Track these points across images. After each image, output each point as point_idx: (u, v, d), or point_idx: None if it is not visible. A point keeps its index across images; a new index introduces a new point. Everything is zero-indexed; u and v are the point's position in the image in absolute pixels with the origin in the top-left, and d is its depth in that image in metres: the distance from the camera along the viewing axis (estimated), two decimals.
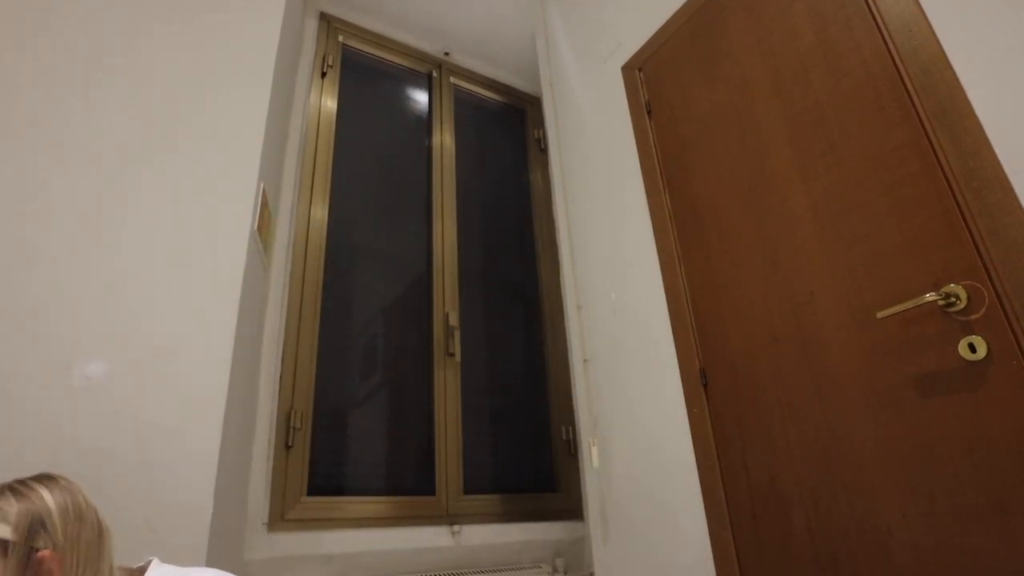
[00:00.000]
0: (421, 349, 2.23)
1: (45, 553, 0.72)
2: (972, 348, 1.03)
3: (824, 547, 1.22)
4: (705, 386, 1.57)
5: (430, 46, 2.86)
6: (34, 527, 0.72)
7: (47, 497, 0.74)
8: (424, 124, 2.70)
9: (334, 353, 2.03)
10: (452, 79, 2.87)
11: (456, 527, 1.95)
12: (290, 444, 1.80)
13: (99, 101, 1.49)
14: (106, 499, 1.19)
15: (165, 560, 1.13)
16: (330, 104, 2.37)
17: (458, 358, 2.23)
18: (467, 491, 2.07)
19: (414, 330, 2.25)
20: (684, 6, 1.84)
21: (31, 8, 1.50)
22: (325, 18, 2.54)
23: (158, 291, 1.37)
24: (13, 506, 0.72)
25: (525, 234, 2.78)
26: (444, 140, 2.67)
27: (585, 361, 2.08)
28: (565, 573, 2.10)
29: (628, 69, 2.06)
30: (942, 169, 1.11)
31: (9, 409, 1.18)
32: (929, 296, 1.07)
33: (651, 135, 1.90)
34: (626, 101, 2.04)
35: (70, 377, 1.24)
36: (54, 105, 1.44)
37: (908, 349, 1.13)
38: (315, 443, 1.87)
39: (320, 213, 2.16)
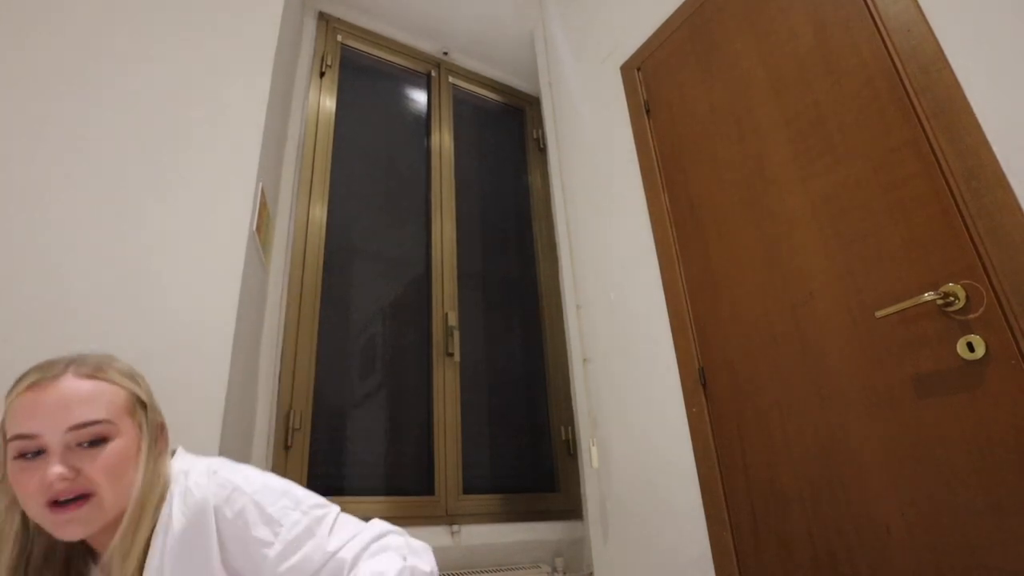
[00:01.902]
0: (420, 349, 2.22)
1: (164, 422, 0.78)
2: (971, 347, 1.03)
3: (823, 546, 1.23)
4: (704, 386, 1.57)
5: (429, 46, 2.85)
6: (152, 397, 0.76)
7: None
8: (423, 124, 2.69)
9: (333, 353, 2.03)
10: (451, 79, 2.86)
11: (455, 527, 1.95)
12: (289, 444, 1.80)
13: (96, 101, 1.49)
14: None
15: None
16: (329, 104, 2.37)
17: (457, 358, 2.23)
18: (466, 491, 2.07)
19: (413, 330, 2.25)
20: (682, 6, 1.84)
21: (28, 8, 1.50)
22: (324, 17, 2.53)
23: (156, 291, 1.37)
24: (133, 372, 0.76)
25: (524, 234, 2.78)
26: (443, 140, 2.67)
27: (584, 361, 2.09)
28: (564, 573, 2.10)
29: (627, 69, 2.06)
30: (941, 169, 1.11)
31: None
32: (928, 295, 1.07)
33: (650, 135, 1.91)
34: (625, 101, 2.04)
35: None
36: (52, 106, 1.44)
37: (907, 348, 1.13)
38: (314, 443, 1.87)
39: (319, 213, 2.16)
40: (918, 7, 1.19)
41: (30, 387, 0.66)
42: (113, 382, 0.71)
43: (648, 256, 1.82)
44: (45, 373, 0.67)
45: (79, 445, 0.65)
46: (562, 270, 2.34)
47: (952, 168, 1.09)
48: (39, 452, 0.63)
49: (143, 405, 0.74)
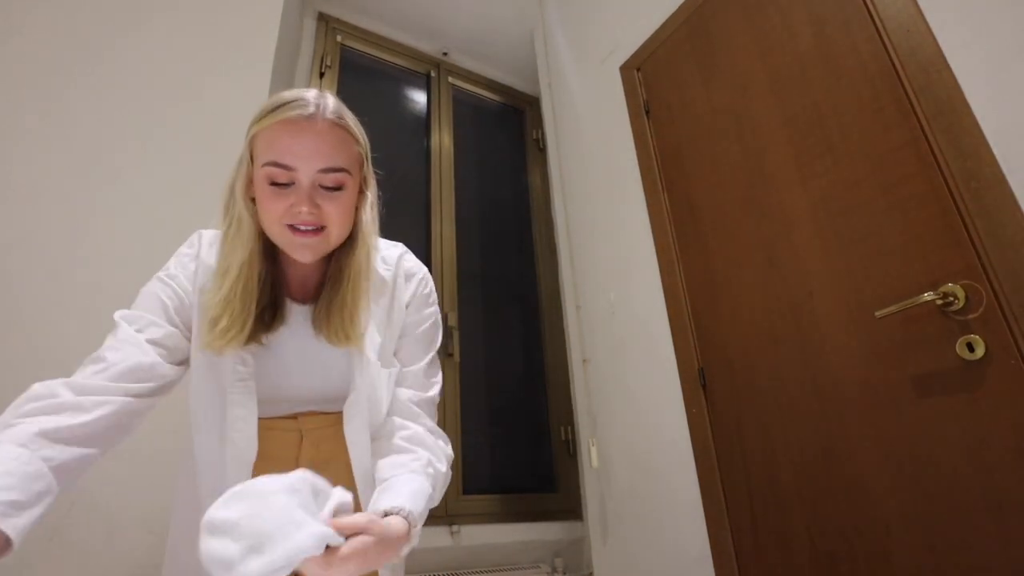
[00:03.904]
0: None
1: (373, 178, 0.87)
2: (970, 348, 1.03)
3: (823, 547, 1.23)
4: (704, 386, 1.57)
5: (428, 46, 2.85)
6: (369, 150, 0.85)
7: None
8: (422, 124, 2.69)
9: None
10: (450, 79, 2.87)
11: (455, 527, 1.95)
12: None
13: (97, 101, 1.49)
14: (104, 500, 1.19)
15: (161, 562, 1.12)
16: None
17: (457, 358, 2.23)
18: (466, 491, 2.07)
19: None
20: (682, 6, 1.84)
21: (29, 9, 1.50)
22: (323, 18, 2.53)
23: None
24: (359, 123, 0.82)
25: (524, 234, 2.78)
26: (443, 140, 2.67)
27: (584, 361, 2.09)
28: (564, 573, 2.10)
29: (626, 69, 2.06)
30: (940, 169, 1.11)
31: None
32: (927, 296, 1.08)
33: (649, 135, 1.91)
34: (624, 101, 2.04)
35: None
36: (53, 105, 1.44)
37: (906, 348, 1.13)
38: None
39: None
40: (917, 7, 1.19)
41: (286, 121, 0.71)
42: (351, 132, 0.78)
43: (648, 256, 1.82)
44: (300, 110, 0.72)
45: (322, 186, 0.73)
46: (562, 270, 2.34)
47: (951, 168, 1.09)
48: (289, 183, 0.72)
49: (366, 158, 0.84)
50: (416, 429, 0.82)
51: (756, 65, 1.55)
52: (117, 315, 0.76)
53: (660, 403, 1.70)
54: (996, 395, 0.99)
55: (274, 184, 0.72)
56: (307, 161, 0.72)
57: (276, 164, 0.71)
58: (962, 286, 1.05)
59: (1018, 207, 0.99)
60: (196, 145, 1.56)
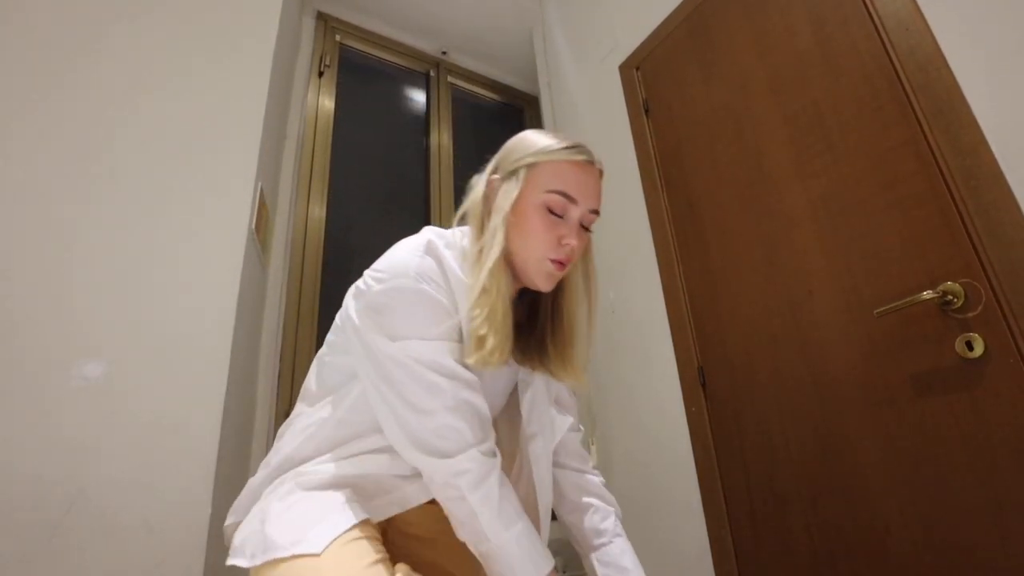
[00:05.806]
0: None
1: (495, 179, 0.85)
2: (969, 346, 1.03)
3: (822, 546, 1.23)
4: (703, 385, 1.57)
5: (428, 45, 2.85)
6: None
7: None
8: (422, 123, 2.69)
9: None
10: (450, 78, 2.86)
11: None
12: None
13: (95, 99, 1.49)
14: (104, 499, 1.19)
15: (161, 562, 1.13)
16: (327, 103, 2.36)
17: None
18: None
19: None
20: (681, 5, 1.84)
21: (22, 5, 1.50)
22: (322, 17, 2.53)
23: (156, 291, 1.37)
24: None
25: None
26: (442, 139, 2.67)
27: None
28: (564, 572, 2.10)
29: (626, 68, 2.06)
30: (939, 167, 1.11)
31: (8, 409, 1.18)
32: (926, 294, 1.08)
33: (649, 134, 1.91)
34: (624, 100, 2.04)
35: (68, 377, 1.24)
36: (52, 104, 1.43)
37: (906, 347, 1.13)
38: None
39: (318, 212, 2.16)
40: (916, 5, 1.18)
41: (578, 163, 0.79)
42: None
43: (647, 255, 1.82)
44: (588, 156, 0.80)
45: (582, 226, 0.81)
46: None
47: (950, 166, 1.09)
48: (562, 215, 0.78)
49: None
50: (594, 479, 0.95)
51: (756, 64, 1.55)
52: (417, 353, 0.72)
53: (660, 402, 1.70)
54: (995, 394, 0.99)
55: (551, 212, 0.77)
56: (586, 200, 0.79)
57: (564, 194, 0.77)
58: (961, 284, 1.05)
59: (1017, 205, 0.99)
60: (194, 143, 1.56)
